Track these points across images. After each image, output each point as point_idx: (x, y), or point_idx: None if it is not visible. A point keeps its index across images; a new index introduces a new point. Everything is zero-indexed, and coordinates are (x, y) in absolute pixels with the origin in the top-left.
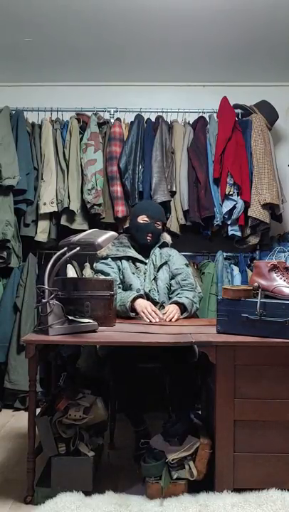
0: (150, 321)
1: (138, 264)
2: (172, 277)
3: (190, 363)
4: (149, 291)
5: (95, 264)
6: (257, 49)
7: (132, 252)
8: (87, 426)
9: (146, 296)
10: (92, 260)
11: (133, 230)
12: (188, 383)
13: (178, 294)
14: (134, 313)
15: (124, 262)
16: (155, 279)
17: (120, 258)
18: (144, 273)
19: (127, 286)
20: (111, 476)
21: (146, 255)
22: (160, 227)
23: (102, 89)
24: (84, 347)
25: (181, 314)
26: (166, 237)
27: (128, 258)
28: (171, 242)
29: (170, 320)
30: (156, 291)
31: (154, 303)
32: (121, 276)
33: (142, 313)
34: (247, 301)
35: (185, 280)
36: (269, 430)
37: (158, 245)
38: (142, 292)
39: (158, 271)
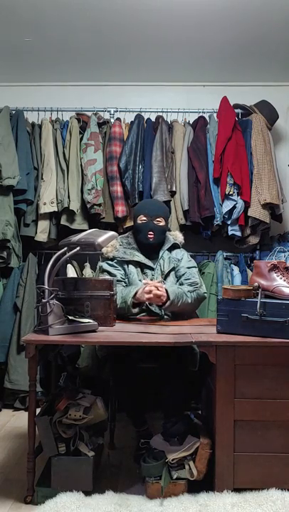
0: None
1: (145, 269)
2: (177, 278)
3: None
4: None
5: (100, 263)
6: (257, 49)
7: (140, 257)
8: (87, 426)
9: (147, 308)
10: (93, 260)
11: (135, 232)
12: (184, 386)
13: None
14: (136, 310)
15: (131, 266)
16: None
17: (128, 262)
18: (151, 279)
19: None
20: (111, 476)
21: (155, 257)
22: (162, 223)
23: (102, 89)
24: (84, 347)
25: (164, 304)
26: (178, 237)
27: (136, 263)
28: (183, 242)
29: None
30: None
31: (154, 314)
32: (126, 280)
33: (145, 299)
34: (247, 301)
35: (188, 279)
36: (269, 430)
37: (167, 248)
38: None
39: (165, 278)
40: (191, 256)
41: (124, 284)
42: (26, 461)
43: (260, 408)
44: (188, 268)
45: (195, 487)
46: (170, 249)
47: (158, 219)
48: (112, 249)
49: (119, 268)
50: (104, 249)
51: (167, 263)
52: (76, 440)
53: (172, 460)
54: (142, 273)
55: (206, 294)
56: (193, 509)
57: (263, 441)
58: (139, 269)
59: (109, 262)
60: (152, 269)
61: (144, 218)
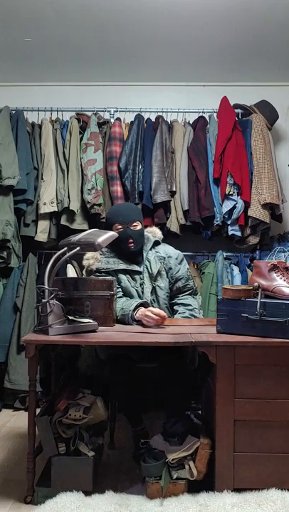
0: (154, 324)
1: (133, 274)
2: (171, 281)
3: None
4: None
5: (90, 277)
6: (257, 49)
7: (124, 264)
8: (87, 426)
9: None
10: None
11: (114, 242)
12: (183, 384)
13: (181, 303)
14: (135, 323)
15: (120, 274)
16: (154, 289)
17: (115, 270)
18: (141, 284)
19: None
20: (111, 476)
21: (139, 260)
22: (139, 227)
23: (102, 89)
24: (84, 347)
25: None
26: (157, 233)
27: (123, 270)
28: (162, 237)
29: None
30: (155, 303)
31: None
32: (120, 287)
33: (144, 321)
34: (247, 301)
35: (187, 285)
36: (269, 430)
37: (150, 247)
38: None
39: (156, 280)
40: (190, 256)
41: (122, 293)
42: (26, 461)
43: (260, 408)
44: (180, 264)
45: (195, 487)
46: (152, 247)
47: (134, 224)
48: (93, 261)
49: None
50: (85, 262)
51: (154, 263)
52: (76, 440)
53: (172, 460)
54: (132, 279)
55: (200, 297)
56: (193, 509)
57: (263, 441)
58: (128, 276)
59: (98, 275)
60: (140, 273)
61: (120, 226)
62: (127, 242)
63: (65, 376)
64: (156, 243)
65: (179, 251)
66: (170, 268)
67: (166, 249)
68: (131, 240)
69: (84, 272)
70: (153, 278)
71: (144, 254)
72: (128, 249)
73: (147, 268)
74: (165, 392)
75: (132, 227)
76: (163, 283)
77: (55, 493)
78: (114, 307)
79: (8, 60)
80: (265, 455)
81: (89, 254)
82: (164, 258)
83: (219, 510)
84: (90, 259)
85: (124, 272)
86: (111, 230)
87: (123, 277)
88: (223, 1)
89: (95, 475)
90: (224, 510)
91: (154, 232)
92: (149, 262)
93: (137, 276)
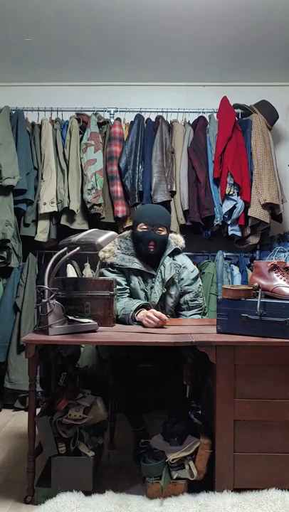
0: (155, 326)
1: (146, 276)
2: (181, 293)
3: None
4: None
5: (101, 270)
6: (257, 49)
7: (139, 264)
8: (87, 426)
9: None
10: (93, 260)
11: (135, 240)
12: (183, 384)
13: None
14: (136, 323)
15: (132, 274)
16: (164, 295)
17: (128, 269)
18: (151, 287)
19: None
20: (111, 476)
21: (155, 264)
22: (164, 232)
23: (102, 89)
24: (84, 347)
25: None
26: (180, 242)
27: (136, 271)
28: (184, 246)
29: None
30: (162, 309)
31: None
32: (128, 287)
33: (145, 322)
34: (247, 301)
35: (194, 301)
36: (269, 430)
37: (168, 253)
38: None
39: (167, 286)
40: (191, 256)
41: (129, 294)
42: (26, 461)
43: (260, 408)
44: (194, 280)
45: (195, 487)
46: (171, 254)
47: (160, 228)
48: (109, 254)
49: (121, 274)
50: (101, 254)
51: (168, 269)
52: (76, 440)
53: (172, 460)
54: (144, 281)
55: (206, 315)
56: (193, 509)
57: (263, 441)
58: (140, 278)
59: (110, 269)
60: (153, 276)
61: (145, 227)
62: (147, 244)
63: (65, 376)
64: (177, 251)
65: (196, 267)
66: (182, 278)
67: (184, 260)
68: (152, 243)
69: (98, 263)
70: (164, 284)
71: (162, 259)
72: (147, 252)
73: (161, 273)
74: (165, 392)
75: (156, 231)
76: (173, 291)
77: (55, 493)
78: (115, 307)
79: (8, 60)
80: (265, 455)
81: (106, 247)
82: (180, 266)
83: (219, 510)
84: (107, 252)
85: (137, 272)
86: (136, 228)
87: (134, 278)
88: (223, 1)
89: (95, 475)
90: (224, 510)
91: (177, 240)
92: (164, 267)
93: (149, 280)
